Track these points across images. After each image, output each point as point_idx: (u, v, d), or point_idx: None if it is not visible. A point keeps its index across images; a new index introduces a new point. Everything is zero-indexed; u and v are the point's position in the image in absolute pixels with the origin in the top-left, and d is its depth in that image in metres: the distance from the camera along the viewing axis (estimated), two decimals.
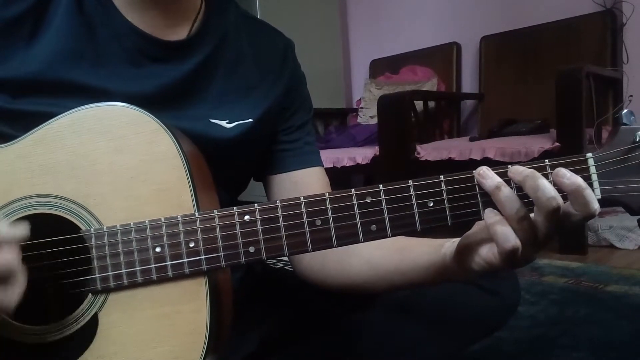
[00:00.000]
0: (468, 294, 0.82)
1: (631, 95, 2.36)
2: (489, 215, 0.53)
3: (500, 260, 0.54)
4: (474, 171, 0.54)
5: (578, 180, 0.50)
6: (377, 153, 2.52)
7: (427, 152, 2.36)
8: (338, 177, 2.71)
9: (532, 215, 0.52)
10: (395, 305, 0.83)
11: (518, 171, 0.53)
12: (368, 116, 3.15)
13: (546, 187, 0.50)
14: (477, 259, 0.57)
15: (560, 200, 0.50)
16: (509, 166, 0.53)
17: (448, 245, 0.63)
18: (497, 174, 0.53)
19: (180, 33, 0.73)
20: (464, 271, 0.60)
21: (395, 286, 0.72)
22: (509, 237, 0.51)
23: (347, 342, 0.83)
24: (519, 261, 0.54)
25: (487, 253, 0.55)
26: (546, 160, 0.54)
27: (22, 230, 0.50)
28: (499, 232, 0.52)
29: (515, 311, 0.89)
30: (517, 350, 1.22)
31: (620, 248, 2.10)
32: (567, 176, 0.51)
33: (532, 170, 0.52)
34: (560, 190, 0.51)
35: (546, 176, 0.52)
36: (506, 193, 0.52)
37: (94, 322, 0.55)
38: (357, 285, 0.75)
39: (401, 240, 0.69)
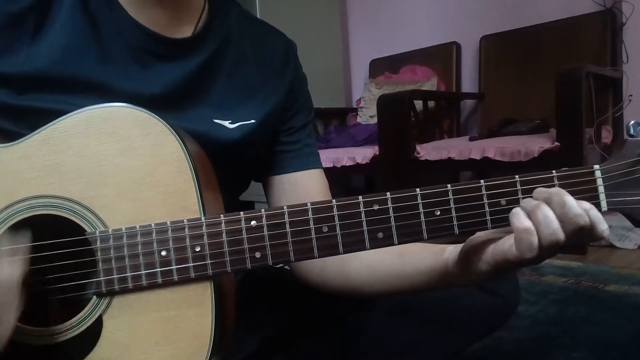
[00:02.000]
0: (468, 294, 0.82)
1: (631, 95, 2.36)
2: (519, 218, 0.52)
3: (512, 261, 0.53)
4: (482, 180, 0.54)
5: (585, 204, 0.51)
6: (377, 153, 2.52)
7: (427, 151, 2.36)
8: (338, 176, 2.71)
9: None
10: (395, 305, 0.83)
11: (542, 190, 0.53)
12: (368, 116, 3.15)
13: (573, 205, 0.50)
14: (484, 258, 0.57)
15: (586, 218, 0.50)
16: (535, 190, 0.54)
17: (450, 250, 0.63)
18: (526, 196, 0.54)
19: (184, 32, 0.73)
20: (467, 275, 0.60)
21: (395, 291, 0.72)
22: (534, 248, 0.51)
23: (347, 342, 0.83)
24: (528, 264, 0.54)
25: (492, 252, 0.55)
26: (553, 171, 0.54)
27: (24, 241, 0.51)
28: (528, 240, 0.51)
29: (515, 311, 0.89)
30: (517, 350, 1.22)
31: (620, 248, 2.10)
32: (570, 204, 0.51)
33: (558, 188, 0.53)
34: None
35: (552, 187, 0.53)
36: (545, 212, 0.51)
37: (98, 325, 0.55)
38: (356, 289, 0.75)
39: (401, 245, 0.69)
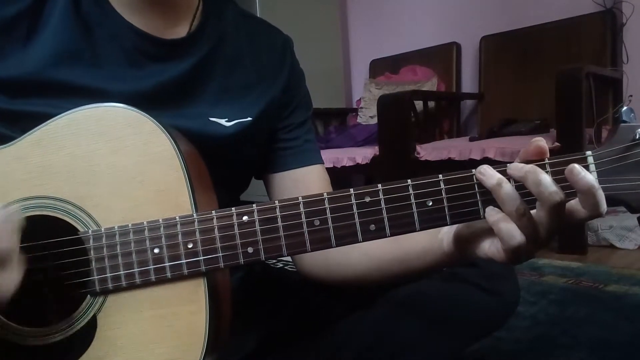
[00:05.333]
0: (468, 294, 0.81)
1: (631, 95, 2.36)
2: (491, 213, 0.53)
3: (504, 257, 0.54)
4: (474, 170, 0.54)
5: (591, 179, 0.50)
6: (377, 153, 2.53)
7: (427, 152, 2.36)
8: (338, 177, 2.71)
9: (533, 212, 0.52)
10: (395, 305, 0.82)
11: (518, 167, 0.53)
12: (368, 116, 3.15)
13: (548, 182, 0.50)
14: (478, 252, 0.58)
15: (562, 194, 0.50)
16: (508, 164, 0.53)
17: (445, 230, 0.64)
18: (498, 172, 0.53)
19: (178, 32, 0.73)
20: (462, 257, 0.61)
21: (395, 275, 0.72)
22: (514, 233, 0.51)
23: (346, 342, 0.82)
24: (522, 257, 0.54)
25: (489, 248, 0.56)
26: (546, 158, 0.54)
27: (19, 216, 0.51)
28: (504, 229, 0.52)
29: (515, 311, 0.89)
30: (517, 350, 1.22)
31: (620, 248, 2.09)
32: (582, 175, 0.50)
33: (532, 165, 0.52)
34: (571, 187, 0.51)
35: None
36: (507, 190, 0.52)
37: (92, 324, 0.55)
38: (358, 277, 0.76)
39: None
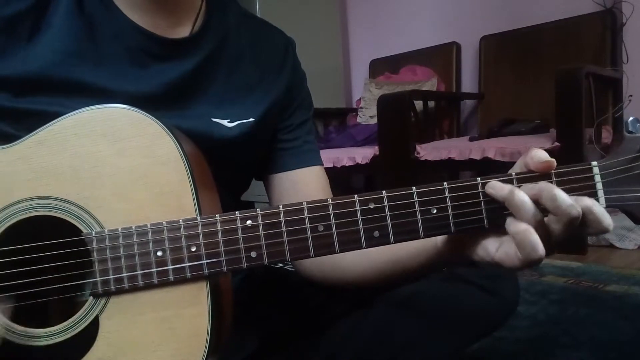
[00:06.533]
0: (468, 294, 0.82)
1: (631, 95, 2.36)
2: (514, 223, 0.52)
3: (517, 264, 0.53)
4: (479, 178, 0.54)
5: (587, 201, 0.50)
6: (377, 153, 2.53)
7: (427, 151, 2.36)
8: (338, 177, 2.71)
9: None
10: (395, 305, 0.83)
11: (529, 186, 0.52)
12: (368, 116, 3.15)
13: (564, 197, 0.50)
14: (480, 252, 0.57)
15: (579, 208, 0.50)
16: (521, 185, 0.53)
17: None
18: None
19: (181, 32, 0.74)
20: (458, 256, 0.60)
21: (391, 276, 0.72)
22: (538, 246, 0.50)
23: (347, 342, 0.83)
24: (533, 266, 0.54)
25: (497, 253, 0.55)
26: (552, 172, 0.53)
27: None
28: (528, 240, 0.50)
29: (514, 311, 0.89)
30: (517, 350, 1.22)
31: (620, 248, 2.10)
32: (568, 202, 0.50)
33: (544, 182, 0.52)
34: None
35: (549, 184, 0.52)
36: (520, 196, 0.51)
37: (94, 326, 0.55)
38: (354, 279, 0.75)
39: None
